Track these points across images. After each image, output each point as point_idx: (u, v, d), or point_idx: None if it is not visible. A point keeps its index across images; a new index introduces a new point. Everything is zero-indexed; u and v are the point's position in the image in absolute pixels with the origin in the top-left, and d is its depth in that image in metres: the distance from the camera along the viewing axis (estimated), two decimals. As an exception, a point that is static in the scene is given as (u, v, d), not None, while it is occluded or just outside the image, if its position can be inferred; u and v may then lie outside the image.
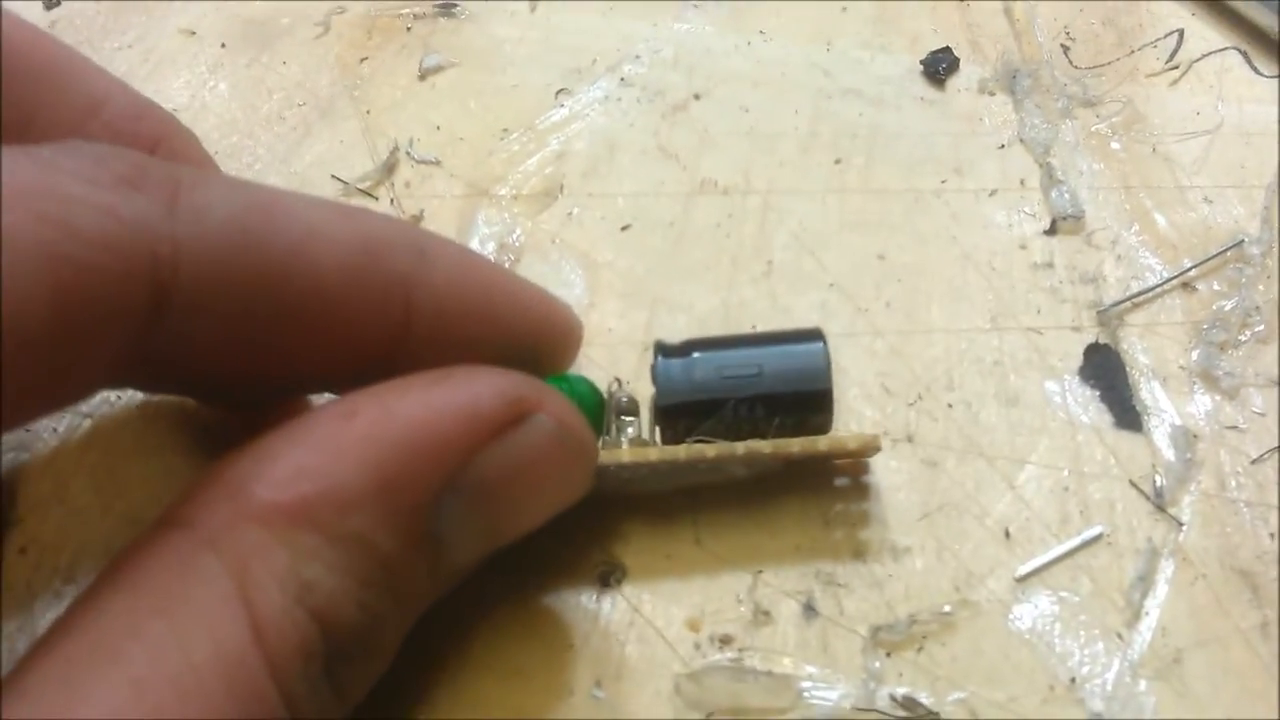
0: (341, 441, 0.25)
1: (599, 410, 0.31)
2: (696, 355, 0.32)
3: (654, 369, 0.32)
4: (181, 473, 0.34)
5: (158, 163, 0.25)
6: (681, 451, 0.31)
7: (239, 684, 0.21)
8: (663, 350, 0.32)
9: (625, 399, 0.32)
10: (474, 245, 0.39)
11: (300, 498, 0.23)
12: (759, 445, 0.31)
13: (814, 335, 0.32)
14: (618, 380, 0.33)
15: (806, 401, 0.31)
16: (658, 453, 0.31)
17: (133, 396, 0.35)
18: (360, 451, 0.24)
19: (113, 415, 0.35)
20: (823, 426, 0.32)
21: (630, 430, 0.32)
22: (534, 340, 0.30)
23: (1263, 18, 0.46)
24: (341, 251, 0.26)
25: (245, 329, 0.25)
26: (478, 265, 0.30)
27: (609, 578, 0.32)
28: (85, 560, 0.32)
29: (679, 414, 0.31)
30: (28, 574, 0.31)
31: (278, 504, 0.23)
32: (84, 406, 0.35)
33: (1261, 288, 0.38)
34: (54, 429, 0.35)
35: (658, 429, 0.32)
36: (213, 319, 0.25)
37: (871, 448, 0.32)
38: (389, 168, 0.42)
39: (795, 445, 0.31)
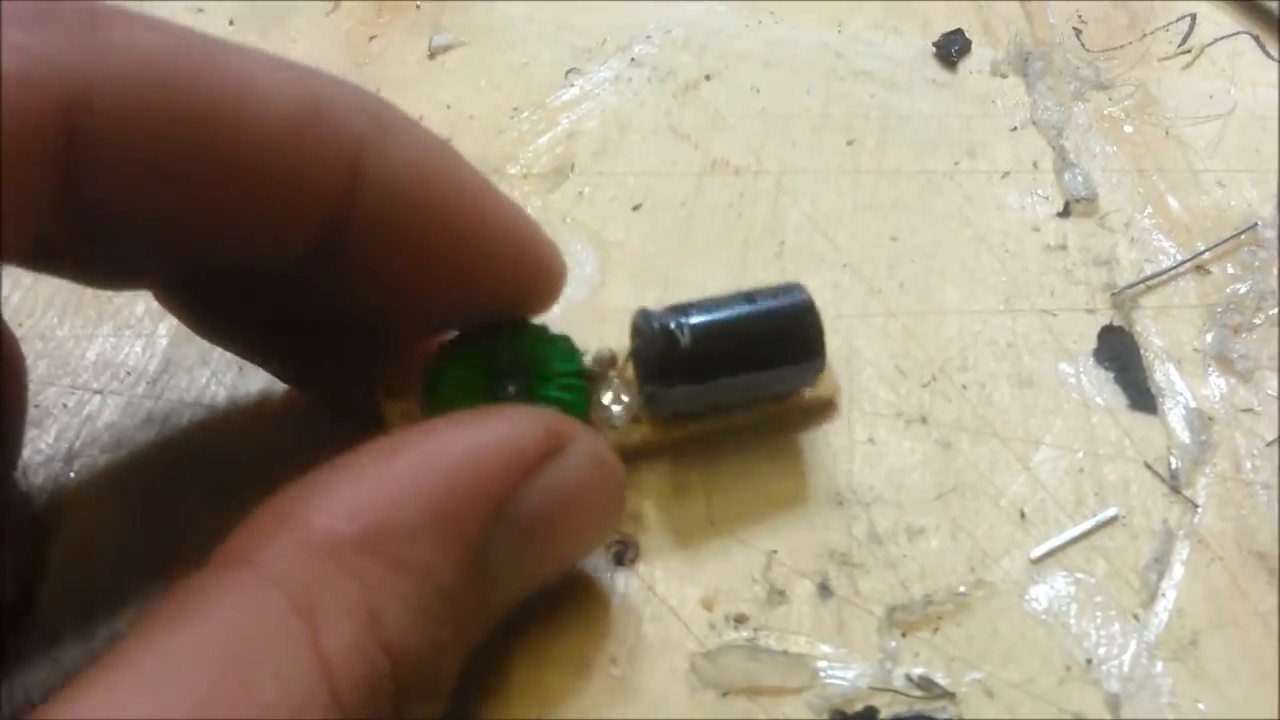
0: (393, 475, 0.24)
1: (577, 372, 0.31)
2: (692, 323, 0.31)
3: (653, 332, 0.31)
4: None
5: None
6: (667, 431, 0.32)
7: None
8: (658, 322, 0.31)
9: (607, 354, 0.31)
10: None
11: (366, 528, 0.23)
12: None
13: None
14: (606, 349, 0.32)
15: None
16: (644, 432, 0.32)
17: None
18: (413, 484, 0.24)
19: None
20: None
21: (610, 394, 0.31)
22: (501, 261, 0.28)
23: (1273, 2, 0.46)
24: (284, 106, 0.24)
25: (169, 181, 0.24)
26: (442, 152, 0.28)
27: (623, 556, 0.32)
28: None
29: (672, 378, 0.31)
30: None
31: (344, 535, 0.23)
32: (95, 383, 0.35)
33: (1275, 271, 0.38)
34: (65, 404, 0.35)
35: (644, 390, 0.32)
36: (132, 169, 0.23)
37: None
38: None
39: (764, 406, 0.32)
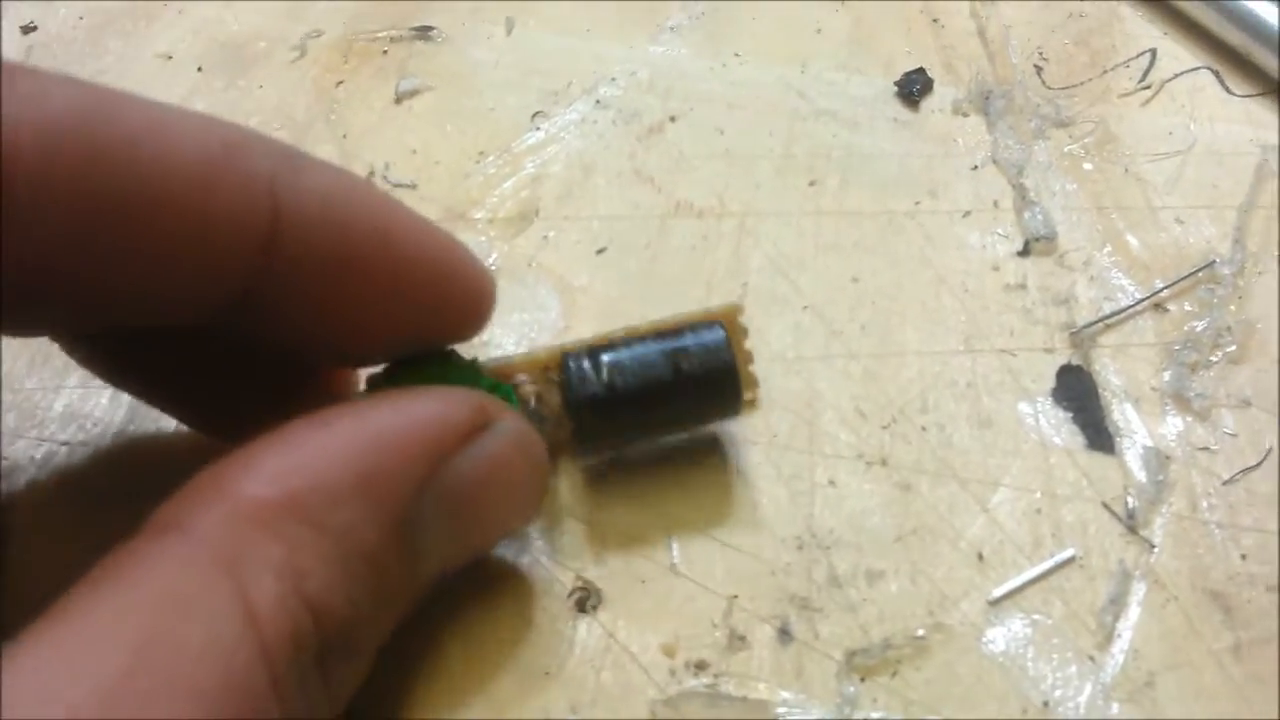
0: (322, 443, 0.25)
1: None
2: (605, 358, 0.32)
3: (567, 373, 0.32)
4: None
5: None
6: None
7: (232, 671, 0.21)
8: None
9: (533, 398, 0.32)
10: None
11: (290, 491, 0.24)
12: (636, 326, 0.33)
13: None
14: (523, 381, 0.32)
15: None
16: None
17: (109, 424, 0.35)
18: (342, 451, 0.25)
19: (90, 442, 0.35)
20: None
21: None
22: (428, 282, 0.29)
23: (1234, 37, 0.47)
24: (195, 148, 0.25)
25: (93, 224, 0.24)
26: (357, 184, 0.28)
27: (585, 603, 0.32)
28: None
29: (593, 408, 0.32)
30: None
31: (268, 499, 0.24)
32: (62, 434, 0.35)
33: (1233, 308, 0.38)
34: (33, 457, 0.35)
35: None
36: (57, 207, 0.23)
37: (733, 312, 0.33)
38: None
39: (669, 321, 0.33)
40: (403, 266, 0.28)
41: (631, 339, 0.32)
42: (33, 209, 0.23)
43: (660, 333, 0.32)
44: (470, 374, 0.31)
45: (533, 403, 0.32)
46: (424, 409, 0.27)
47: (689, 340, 0.32)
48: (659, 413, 0.32)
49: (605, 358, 0.32)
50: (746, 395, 0.32)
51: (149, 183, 0.24)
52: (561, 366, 0.32)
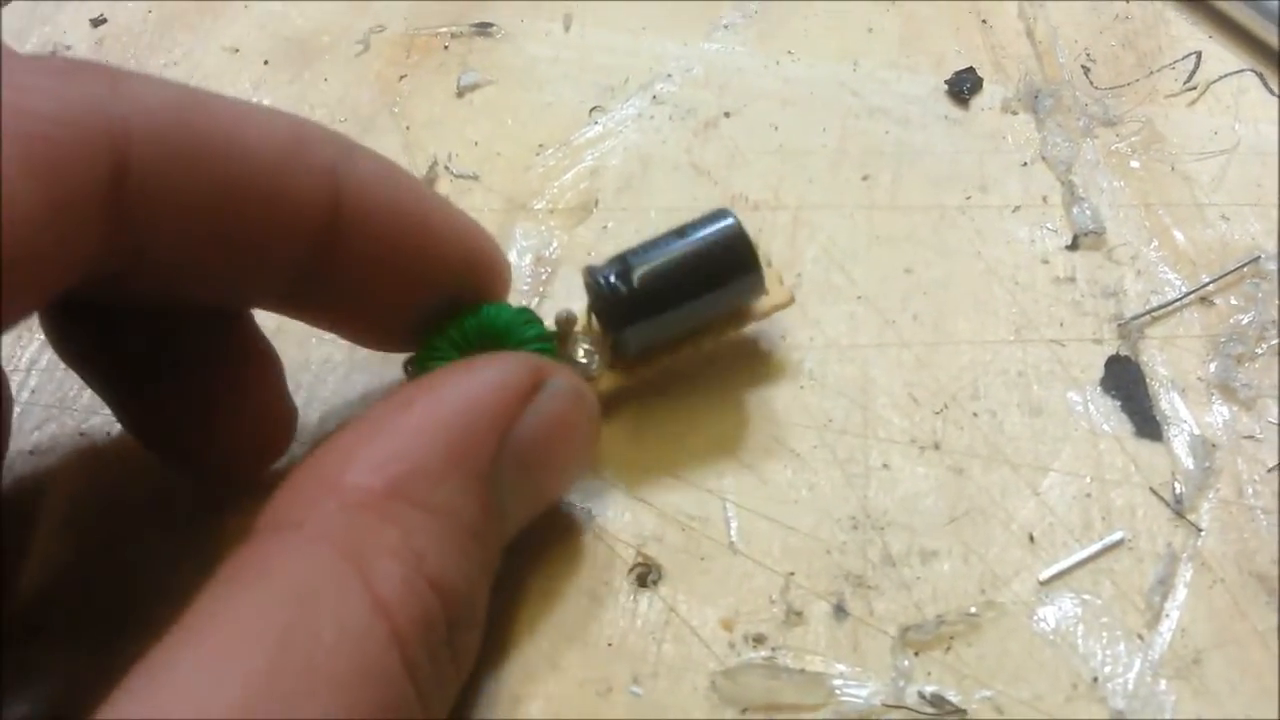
0: (410, 426, 0.27)
1: (544, 335, 0.33)
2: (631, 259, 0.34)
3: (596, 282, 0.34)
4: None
5: (88, 60, 0.26)
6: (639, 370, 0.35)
7: (366, 658, 0.22)
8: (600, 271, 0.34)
9: (564, 315, 0.34)
10: (512, 257, 0.41)
11: (396, 478, 0.25)
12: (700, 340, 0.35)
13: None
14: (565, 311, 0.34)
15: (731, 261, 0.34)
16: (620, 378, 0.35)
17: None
18: (430, 429, 0.27)
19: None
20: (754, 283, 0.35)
21: (580, 350, 0.35)
22: (462, 261, 0.32)
23: (1277, 40, 0.47)
24: (273, 138, 0.27)
25: (193, 210, 0.26)
26: (400, 171, 0.31)
27: (645, 578, 0.33)
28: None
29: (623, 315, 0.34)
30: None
31: (376, 487, 0.25)
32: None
33: (1277, 302, 0.39)
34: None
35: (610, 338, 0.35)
36: (165, 195, 0.25)
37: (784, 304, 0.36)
38: (429, 182, 0.43)
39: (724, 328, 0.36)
40: (437, 240, 0.31)
41: (647, 243, 0.34)
42: (147, 197, 0.25)
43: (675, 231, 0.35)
44: (505, 312, 0.33)
45: (581, 353, 0.35)
46: (487, 376, 0.29)
47: (701, 226, 0.34)
48: (688, 293, 0.34)
49: (628, 258, 0.34)
50: (778, 288, 0.36)
51: (233, 170, 0.26)
52: (590, 276, 0.34)
